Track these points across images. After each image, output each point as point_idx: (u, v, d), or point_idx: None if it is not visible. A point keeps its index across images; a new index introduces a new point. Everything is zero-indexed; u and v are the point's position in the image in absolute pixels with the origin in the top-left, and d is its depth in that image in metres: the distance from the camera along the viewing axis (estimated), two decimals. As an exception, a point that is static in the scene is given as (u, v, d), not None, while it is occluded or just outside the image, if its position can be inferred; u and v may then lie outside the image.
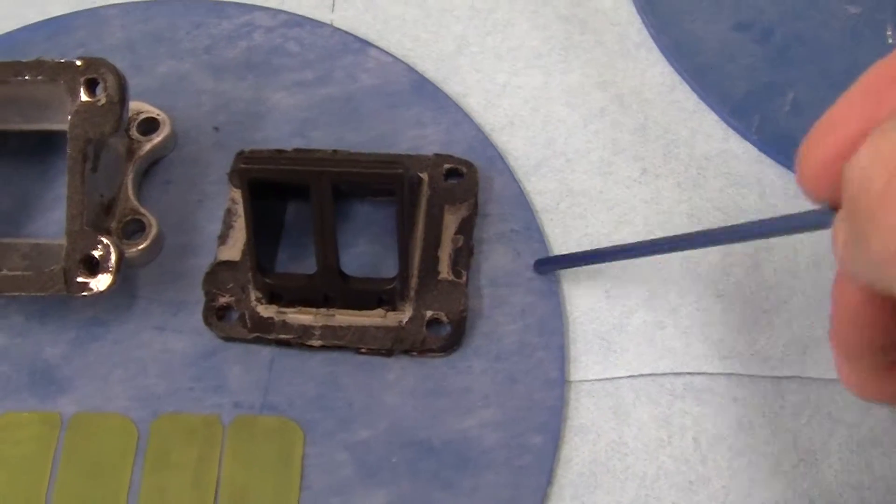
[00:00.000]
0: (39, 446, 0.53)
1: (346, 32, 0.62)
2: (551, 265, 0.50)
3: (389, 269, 0.54)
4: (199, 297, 0.55)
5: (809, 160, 0.29)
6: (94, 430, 0.53)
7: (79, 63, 0.53)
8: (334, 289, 0.52)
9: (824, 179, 0.28)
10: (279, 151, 0.57)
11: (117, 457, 0.53)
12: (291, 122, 0.60)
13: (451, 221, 0.55)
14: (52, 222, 0.58)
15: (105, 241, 0.52)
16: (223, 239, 0.56)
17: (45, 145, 0.60)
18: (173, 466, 0.52)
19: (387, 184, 0.50)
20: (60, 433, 0.53)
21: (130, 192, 0.56)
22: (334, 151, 0.57)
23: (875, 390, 0.33)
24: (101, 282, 0.52)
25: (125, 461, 0.53)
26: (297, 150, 0.57)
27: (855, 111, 0.28)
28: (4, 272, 0.53)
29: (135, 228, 0.56)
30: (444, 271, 0.54)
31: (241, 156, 0.57)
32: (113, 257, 0.52)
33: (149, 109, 0.59)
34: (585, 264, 0.48)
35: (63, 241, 0.53)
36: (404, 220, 0.51)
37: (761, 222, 0.36)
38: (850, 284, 0.31)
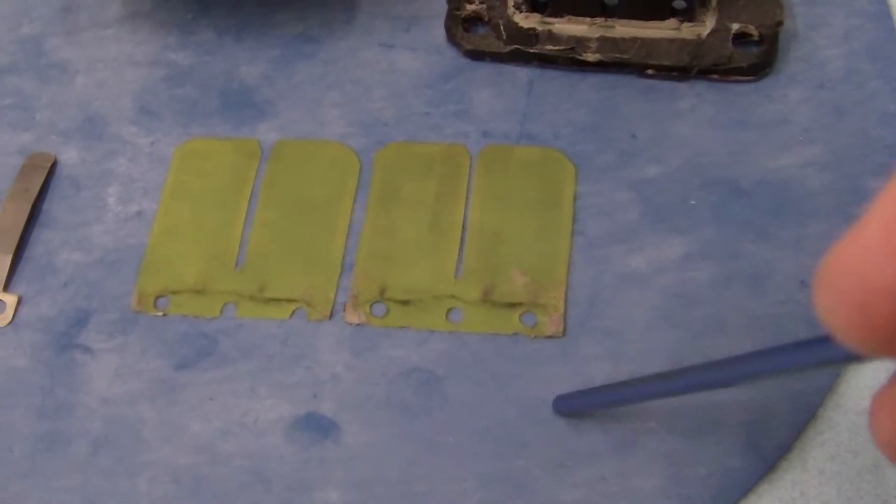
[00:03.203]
0: (234, 177, 0.42)
1: None
2: (572, 403, 0.37)
3: (680, -22, 0.42)
4: (436, 11, 0.44)
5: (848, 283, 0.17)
6: (304, 159, 0.42)
7: None
8: (618, -9, 0.41)
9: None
10: None
11: (333, 191, 0.41)
12: None
13: (759, -77, 0.43)
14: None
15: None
16: (469, -60, 0.45)
17: None
18: (405, 204, 0.41)
19: None
20: (260, 164, 0.42)
21: None
22: None
23: None
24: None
25: (343, 196, 0.41)
26: None
27: None
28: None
29: (355, -69, 0.44)
30: (754, -21, 0.42)
31: None
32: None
33: None
34: (608, 405, 0.35)
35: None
36: None
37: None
38: None
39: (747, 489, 0.35)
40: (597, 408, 0.36)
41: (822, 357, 0.21)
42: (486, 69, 0.43)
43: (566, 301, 0.38)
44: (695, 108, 0.41)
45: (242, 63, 0.44)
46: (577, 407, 0.36)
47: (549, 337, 0.38)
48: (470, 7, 0.43)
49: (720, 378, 0.26)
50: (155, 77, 0.44)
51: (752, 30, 0.41)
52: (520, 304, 0.38)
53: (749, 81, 0.41)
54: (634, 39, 0.41)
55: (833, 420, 0.37)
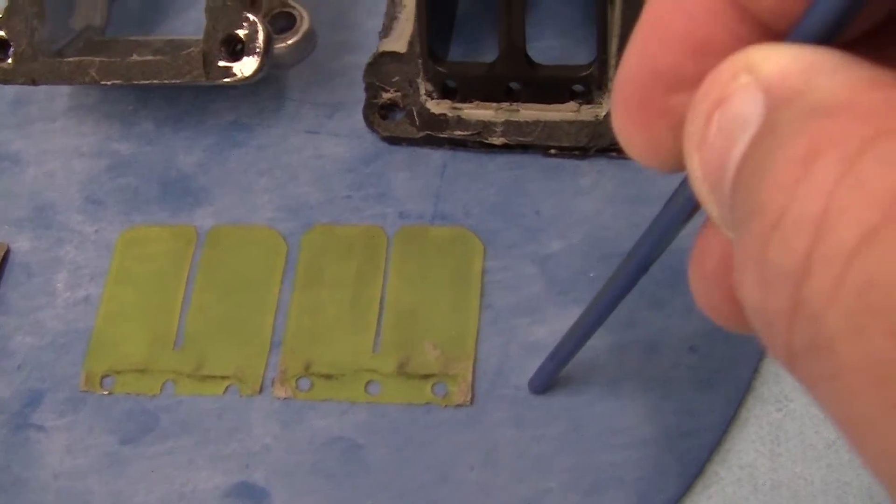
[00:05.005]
0: (172, 262, 0.46)
1: None
2: (541, 380, 0.41)
3: (580, 63, 0.45)
4: (357, 98, 0.47)
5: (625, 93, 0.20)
6: (236, 244, 0.46)
7: None
8: (520, 77, 0.44)
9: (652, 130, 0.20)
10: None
11: (263, 273, 0.45)
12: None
13: (652, 7, 0.46)
14: (187, 23, 0.51)
15: (251, 17, 0.44)
16: (386, 31, 0.48)
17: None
18: (329, 284, 0.44)
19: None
20: (196, 248, 0.46)
21: (276, -15, 0.49)
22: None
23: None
24: (245, 66, 0.44)
25: (272, 278, 0.45)
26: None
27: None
28: (134, 58, 0.45)
29: (283, 25, 0.48)
30: (647, 60, 0.45)
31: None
32: (260, 37, 0.44)
33: None
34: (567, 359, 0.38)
35: (201, 36, 0.45)
36: (605, -13, 0.42)
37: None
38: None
39: (639, 544, 0.39)
40: (560, 369, 0.39)
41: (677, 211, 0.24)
42: (402, 153, 0.46)
43: (474, 371, 0.42)
44: (596, 185, 0.45)
45: (180, 152, 0.48)
46: (546, 380, 0.40)
47: (459, 405, 0.41)
48: (386, 95, 0.46)
49: (633, 270, 0.30)
50: (99, 167, 0.48)
51: (646, 110, 0.44)
52: (432, 375, 0.42)
53: (645, 158, 0.45)
54: (537, 122, 0.45)
55: (719, 475, 0.40)
